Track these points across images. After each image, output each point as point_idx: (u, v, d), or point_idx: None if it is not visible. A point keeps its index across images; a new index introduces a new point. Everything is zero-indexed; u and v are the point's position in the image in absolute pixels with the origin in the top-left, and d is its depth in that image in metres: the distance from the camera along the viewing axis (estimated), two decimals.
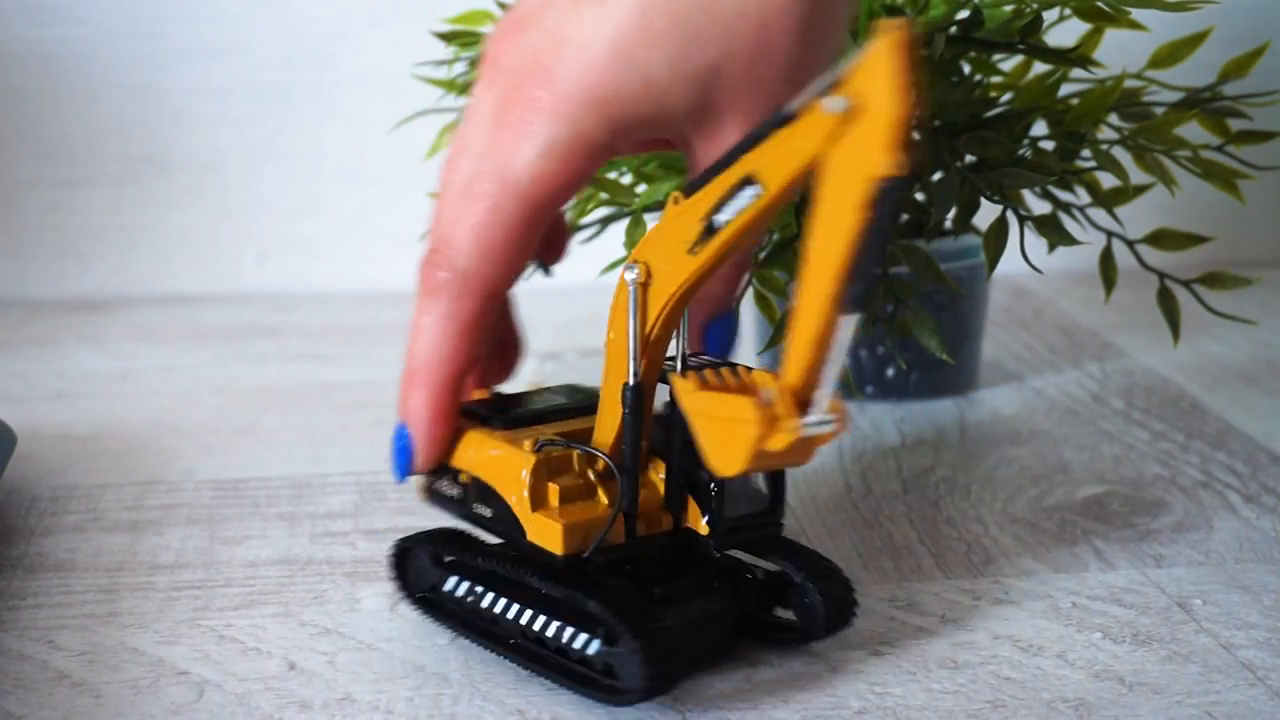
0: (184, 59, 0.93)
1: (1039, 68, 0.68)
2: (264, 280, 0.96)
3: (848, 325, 0.39)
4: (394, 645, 0.51)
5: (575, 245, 0.73)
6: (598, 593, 0.45)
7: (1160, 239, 0.63)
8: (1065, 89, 0.64)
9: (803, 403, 0.40)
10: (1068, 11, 0.63)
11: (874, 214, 0.37)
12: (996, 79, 0.67)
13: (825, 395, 0.40)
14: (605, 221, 0.69)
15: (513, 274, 0.48)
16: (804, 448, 0.40)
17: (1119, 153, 0.62)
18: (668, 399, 0.46)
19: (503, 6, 0.67)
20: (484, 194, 0.46)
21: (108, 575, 0.56)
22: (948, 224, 0.66)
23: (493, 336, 0.51)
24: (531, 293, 0.59)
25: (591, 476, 0.47)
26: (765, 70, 0.45)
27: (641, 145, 0.48)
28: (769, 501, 0.48)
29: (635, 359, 0.45)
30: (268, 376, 0.79)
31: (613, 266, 0.65)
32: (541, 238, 0.48)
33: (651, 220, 0.66)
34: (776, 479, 0.48)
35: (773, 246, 0.61)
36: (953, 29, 0.60)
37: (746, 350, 0.72)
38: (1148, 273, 0.64)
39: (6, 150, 0.93)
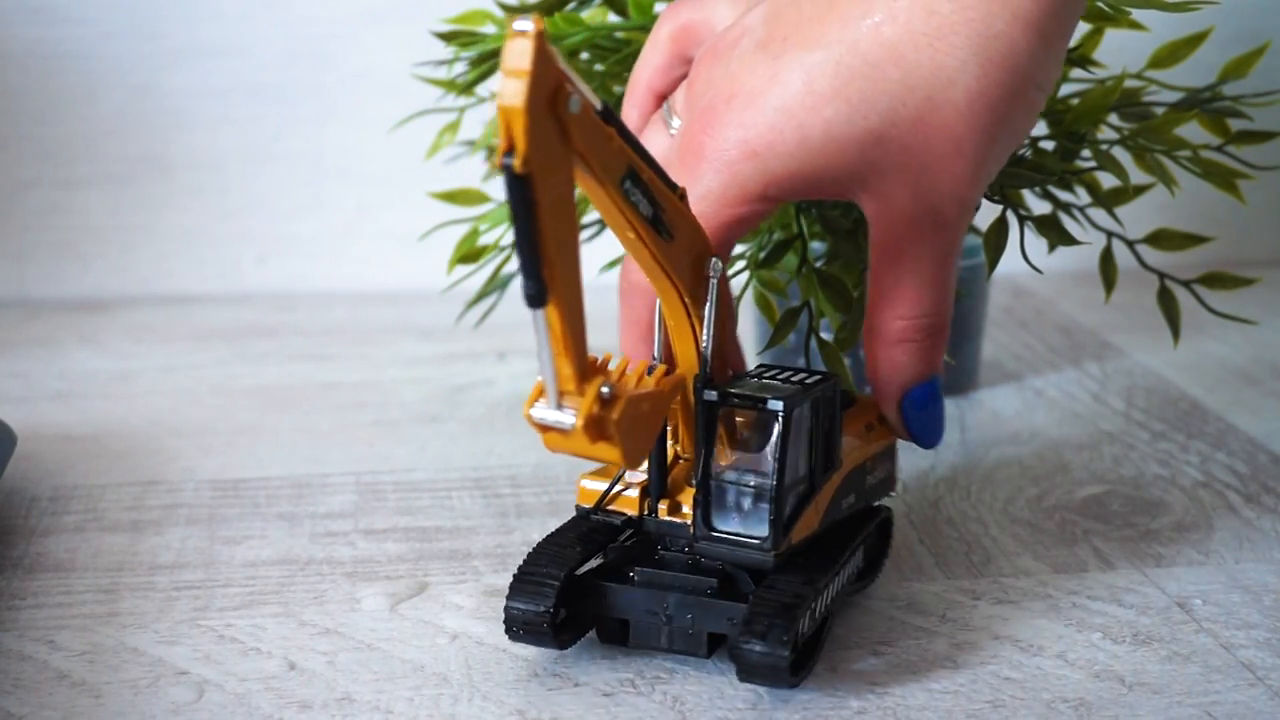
0: (184, 59, 0.92)
1: None
2: (264, 280, 0.95)
3: (538, 320, 0.40)
4: (394, 645, 0.51)
5: None
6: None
7: (1160, 239, 0.63)
8: (1065, 89, 0.63)
9: (562, 393, 0.42)
10: None
11: (510, 206, 0.38)
12: None
13: (577, 393, 0.42)
14: (604, 223, 0.69)
15: None
16: (578, 445, 0.43)
17: (1119, 153, 0.62)
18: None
19: (503, 7, 0.67)
20: None
21: (108, 575, 0.56)
22: None
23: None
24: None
25: None
26: (931, 136, 0.47)
27: (810, 195, 0.49)
28: (769, 533, 0.47)
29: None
30: (268, 376, 0.79)
31: (612, 265, 0.65)
32: None
33: None
34: (779, 512, 0.47)
35: (773, 246, 0.61)
36: None
37: (747, 350, 0.72)
38: (1148, 273, 0.64)
39: (6, 150, 0.93)
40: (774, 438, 0.47)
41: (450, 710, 0.47)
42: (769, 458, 0.47)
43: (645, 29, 0.63)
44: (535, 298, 0.40)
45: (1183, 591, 0.55)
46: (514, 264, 0.73)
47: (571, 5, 0.65)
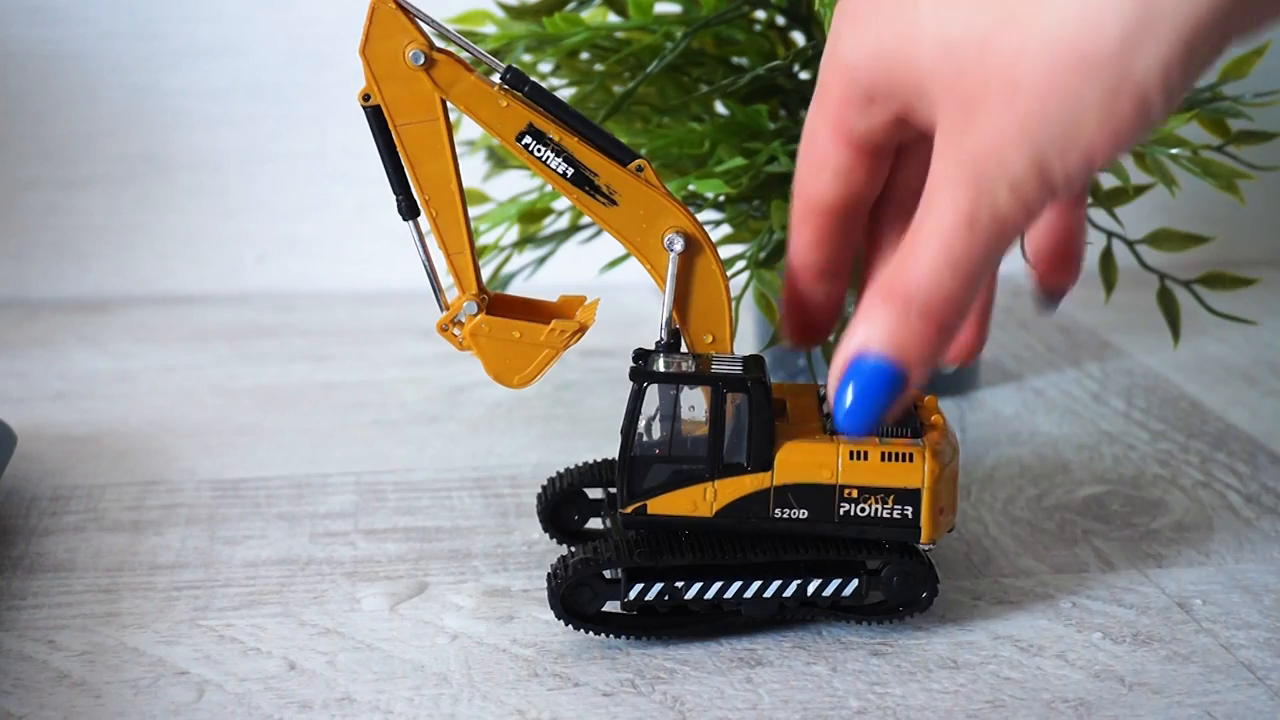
0: (184, 59, 0.92)
1: None
2: (263, 280, 0.95)
3: (412, 231, 0.51)
4: (394, 645, 0.51)
5: (575, 245, 0.73)
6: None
7: (1160, 239, 0.63)
8: None
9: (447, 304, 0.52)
10: None
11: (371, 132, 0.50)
12: None
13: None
14: None
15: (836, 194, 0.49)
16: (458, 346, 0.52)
17: None
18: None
19: (503, 7, 0.67)
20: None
21: (108, 575, 0.56)
22: None
23: None
24: (532, 293, 0.59)
25: None
26: (991, 67, 0.40)
27: (895, 92, 0.44)
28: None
29: None
30: (268, 376, 0.79)
31: (612, 265, 0.65)
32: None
33: None
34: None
35: (773, 246, 0.61)
36: None
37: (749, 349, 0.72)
38: (1148, 273, 0.64)
39: (6, 150, 0.93)
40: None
41: (450, 710, 0.47)
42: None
43: (645, 29, 0.64)
44: (402, 210, 0.51)
45: (1183, 591, 0.55)
46: (514, 264, 0.73)
47: (571, 5, 0.65)
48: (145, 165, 0.94)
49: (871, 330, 0.43)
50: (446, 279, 0.52)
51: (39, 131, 0.93)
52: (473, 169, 0.76)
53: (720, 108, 0.67)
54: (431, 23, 0.49)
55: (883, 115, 0.45)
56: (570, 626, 0.51)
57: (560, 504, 0.57)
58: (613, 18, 0.67)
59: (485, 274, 0.72)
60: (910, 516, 0.49)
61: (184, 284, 0.95)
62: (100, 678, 0.49)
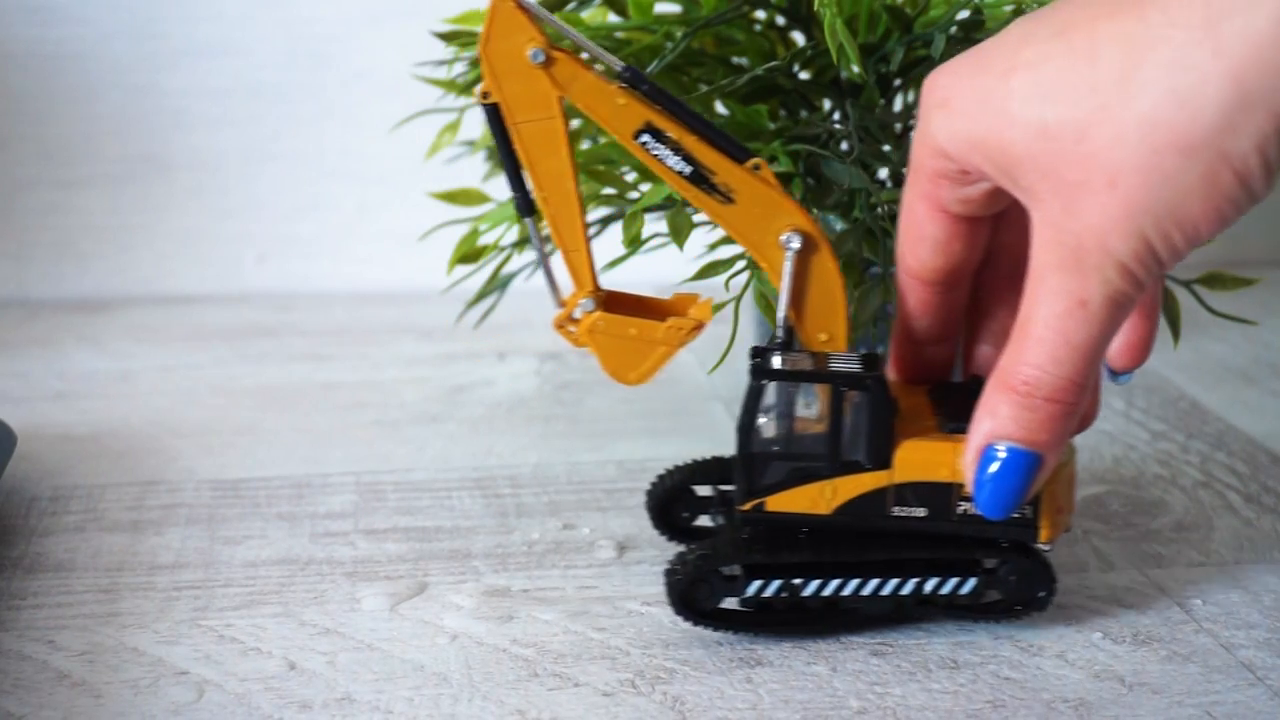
0: (184, 59, 0.92)
1: None
2: (263, 280, 0.95)
3: (531, 228, 0.51)
4: (394, 645, 0.51)
5: None
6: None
7: None
8: None
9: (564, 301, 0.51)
10: None
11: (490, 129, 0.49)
12: None
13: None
14: (605, 221, 0.69)
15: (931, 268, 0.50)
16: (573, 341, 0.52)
17: None
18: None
19: None
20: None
21: (108, 575, 0.56)
22: None
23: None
24: (532, 293, 0.59)
25: None
26: (1089, 153, 0.41)
27: (989, 172, 0.45)
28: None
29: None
30: (267, 376, 0.79)
31: (613, 265, 0.65)
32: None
33: (650, 220, 0.66)
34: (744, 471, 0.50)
35: None
36: (953, 29, 0.60)
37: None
38: None
39: (6, 150, 0.92)
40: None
41: (450, 710, 0.47)
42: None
43: (645, 29, 0.63)
44: (519, 208, 0.50)
45: (1183, 591, 0.55)
46: (514, 264, 0.73)
47: (571, 5, 0.65)
48: (145, 165, 0.94)
49: (998, 422, 0.46)
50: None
51: (39, 131, 0.93)
52: (473, 169, 0.76)
53: (720, 108, 0.67)
54: (550, 21, 0.49)
55: (978, 190, 0.47)
56: (689, 623, 0.51)
57: (669, 501, 0.56)
58: (613, 18, 0.66)
59: (485, 274, 0.72)
60: (1029, 515, 0.49)
61: (184, 284, 0.95)
62: (100, 678, 0.49)
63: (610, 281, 0.66)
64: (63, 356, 0.83)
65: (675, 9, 0.68)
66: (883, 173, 0.63)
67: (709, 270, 0.59)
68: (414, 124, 0.74)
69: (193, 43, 0.92)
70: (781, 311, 0.50)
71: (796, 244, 0.50)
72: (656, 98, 0.49)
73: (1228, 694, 0.48)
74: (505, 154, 0.49)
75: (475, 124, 0.81)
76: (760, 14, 0.67)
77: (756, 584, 0.50)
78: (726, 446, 0.52)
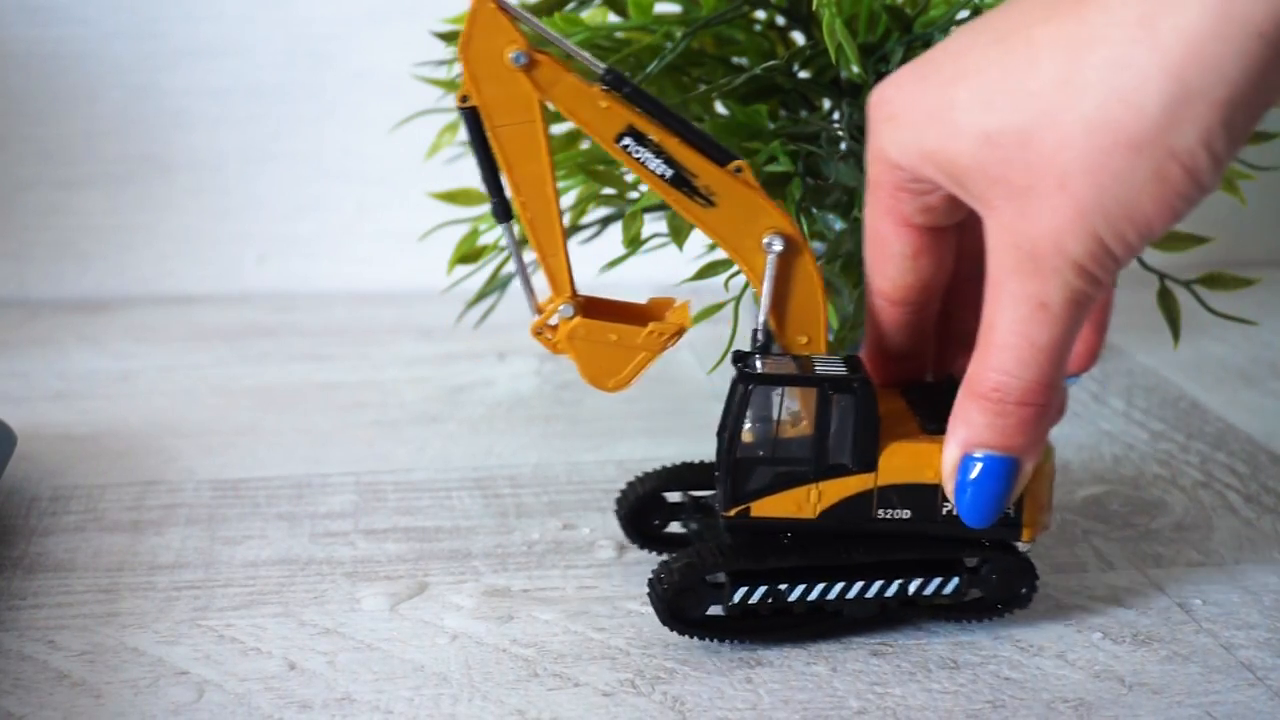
0: (184, 59, 0.92)
1: None
2: (263, 280, 0.95)
3: (508, 234, 0.51)
4: (394, 645, 0.51)
5: (575, 245, 0.73)
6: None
7: (1160, 239, 0.63)
8: None
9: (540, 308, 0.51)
10: None
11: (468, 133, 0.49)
12: None
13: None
14: (605, 221, 0.69)
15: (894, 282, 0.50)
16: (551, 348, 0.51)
17: None
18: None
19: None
20: None
21: (108, 575, 0.56)
22: None
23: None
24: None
25: None
26: (1036, 157, 0.42)
27: (939, 181, 0.45)
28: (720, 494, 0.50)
29: None
30: (268, 376, 0.79)
31: (613, 265, 0.65)
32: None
33: (650, 220, 0.66)
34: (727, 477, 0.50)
35: None
36: (953, 29, 0.60)
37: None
38: (1148, 273, 0.64)
39: (6, 150, 0.93)
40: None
41: (450, 710, 0.47)
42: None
43: (645, 29, 0.63)
44: (497, 212, 0.50)
45: (1183, 591, 0.55)
46: (514, 264, 0.73)
47: (571, 5, 0.65)
48: (145, 165, 0.94)
49: (972, 430, 0.46)
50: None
51: (39, 131, 0.93)
52: (472, 169, 0.76)
53: (720, 107, 0.67)
54: (530, 23, 0.48)
55: (937, 197, 0.47)
56: (676, 633, 0.51)
57: (641, 510, 0.56)
58: (613, 18, 0.66)
59: (485, 274, 0.72)
60: (1012, 515, 0.49)
61: (184, 284, 0.95)
62: (100, 678, 0.49)
63: (611, 281, 0.66)
64: (63, 356, 0.83)
65: (675, 9, 0.68)
66: None
67: (708, 270, 0.59)
68: (414, 124, 0.74)
69: (193, 43, 0.92)
70: (762, 315, 0.50)
71: (779, 246, 0.49)
72: (638, 100, 0.48)
73: (1228, 694, 0.48)
74: (483, 159, 0.49)
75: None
76: (760, 14, 0.67)
77: (742, 590, 0.50)
78: None
